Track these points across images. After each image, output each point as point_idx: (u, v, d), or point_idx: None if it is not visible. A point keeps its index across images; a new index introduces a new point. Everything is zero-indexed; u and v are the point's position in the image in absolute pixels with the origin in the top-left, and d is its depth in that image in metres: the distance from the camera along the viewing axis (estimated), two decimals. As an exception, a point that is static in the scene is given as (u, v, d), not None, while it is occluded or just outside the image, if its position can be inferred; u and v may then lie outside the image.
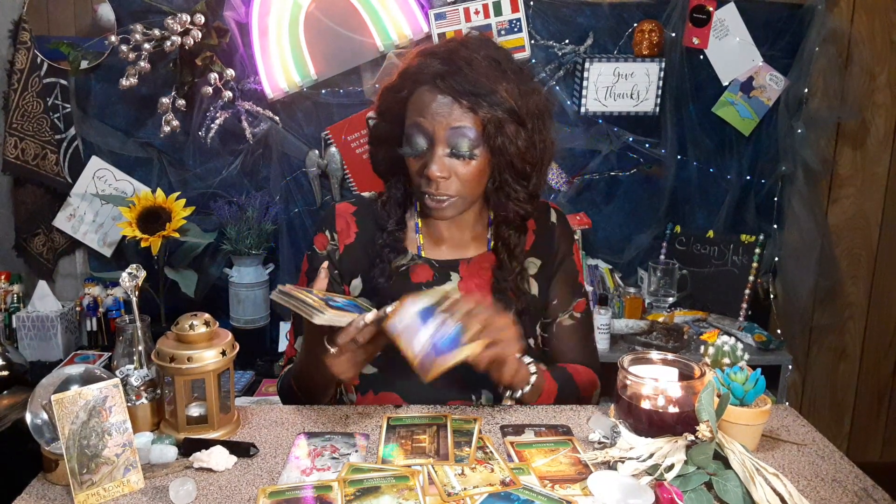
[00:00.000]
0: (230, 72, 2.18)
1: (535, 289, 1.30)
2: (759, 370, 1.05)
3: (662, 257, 2.46)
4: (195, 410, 1.09)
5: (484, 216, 1.32)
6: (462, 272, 1.29)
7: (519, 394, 1.17)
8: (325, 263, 1.18)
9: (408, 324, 1.00)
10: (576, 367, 1.29)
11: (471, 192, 1.20)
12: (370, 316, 1.04)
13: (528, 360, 1.19)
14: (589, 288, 2.32)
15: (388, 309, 1.05)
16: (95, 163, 2.34)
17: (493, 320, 1.04)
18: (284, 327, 2.38)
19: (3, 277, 2.30)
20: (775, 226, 2.43)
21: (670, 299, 2.23)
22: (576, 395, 1.25)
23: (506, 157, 1.18)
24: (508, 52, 1.25)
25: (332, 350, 1.08)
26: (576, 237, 1.40)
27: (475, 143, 1.16)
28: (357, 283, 1.30)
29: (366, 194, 1.38)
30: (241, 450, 1.02)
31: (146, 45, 2.12)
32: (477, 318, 1.03)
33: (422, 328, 0.99)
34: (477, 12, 2.24)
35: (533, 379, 1.17)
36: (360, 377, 1.26)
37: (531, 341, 1.30)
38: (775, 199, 2.43)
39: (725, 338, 1.14)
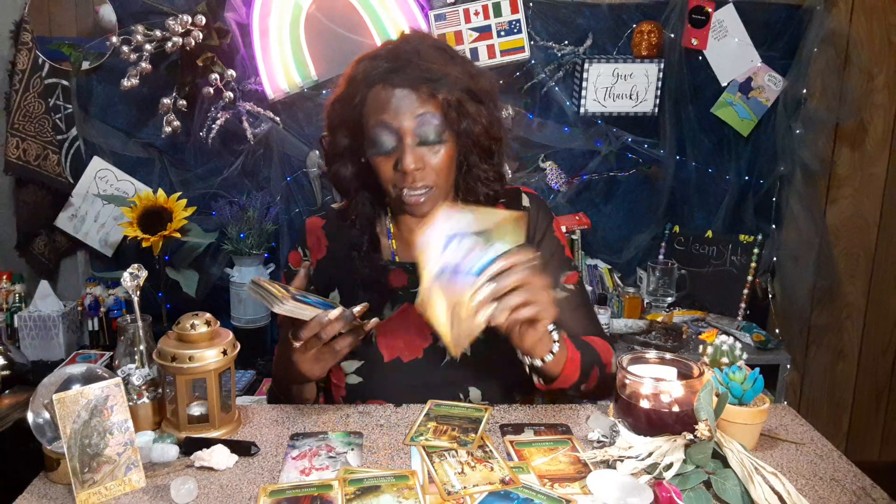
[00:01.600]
0: (231, 72, 2.18)
1: None
2: (757, 369, 1.05)
3: (661, 257, 2.46)
4: (196, 409, 1.10)
5: None
6: None
7: (539, 362, 1.10)
8: (307, 263, 1.18)
9: (430, 241, 0.94)
10: (591, 337, 1.25)
11: (444, 181, 1.20)
12: (334, 312, 1.04)
13: (551, 327, 1.12)
14: (588, 288, 2.33)
15: (356, 309, 1.06)
16: (97, 163, 2.35)
17: (532, 280, 0.98)
18: (285, 327, 2.38)
19: (4, 277, 2.30)
20: (774, 226, 2.43)
21: (669, 299, 2.23)
22: (599, 365, 1.19)
23: (471, 137, 1.18)
24: (444, 41, 1.26)
25: (296, 344, 1.08)
26: (574, 236, 1.38)
27: (441, 127, 1.16)
28: (335, 296, 1.30)
29: (335, 206, 1.38)
30: (241, 449, 1.03)
31: (147, 46, 2.13)
32: (514, 273, 0.96)
33: (446, 249, 0.93)
34: (476, 13, 2.24)
35: (556, 348, 1.10)
36: (346, 387, 1.26)
37: None
38: (774, 199, 2.43)
39: (724, 337, 1.14)
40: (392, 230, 1.32)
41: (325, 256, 1.31)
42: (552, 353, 1.10)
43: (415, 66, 1.14)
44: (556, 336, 1.12)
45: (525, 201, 1.34)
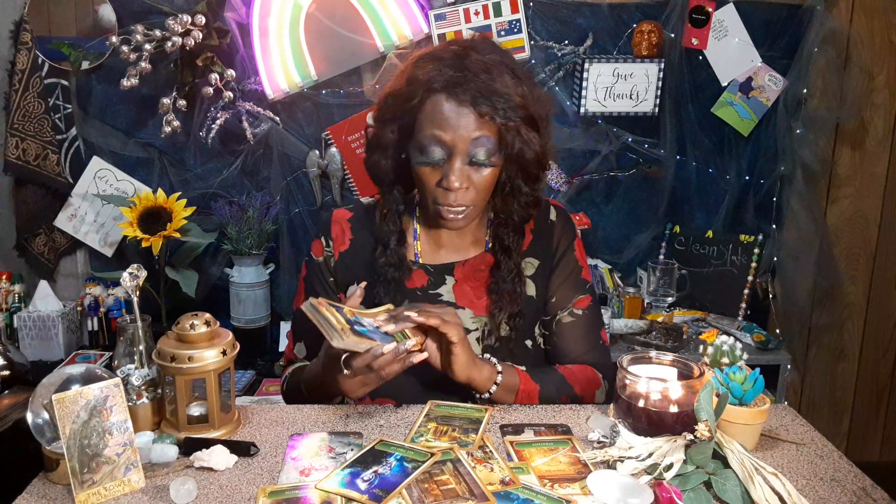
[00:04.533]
0: (231, 72, 2.18)
1: (532, 290, 1.29)
2: (757, 370, 1.05)
3: (662, 257, 2.46)
4: (196, 410, 1.10)
5: (485, 218, 1.32)
6: (457, 275, 1.29)
7: (487, 395, 1.18)
8: (363, 283, 1.19)
9: None
10: (570, 367, 1.28)
11: (483, 200, 1.21)
12: (388, 347, 1.05)
13: (494, 360, 1.20)
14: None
15: (409, 344, 1.07)
16: (96, 163, 2.35)
17: (428, 307, 1.11)
18: (285, 327, 2.38)
19: (4, 277, 2.30)
20: (774, 226, 2.43)
21: (669, 299, 2.23)
22: (570, 396, 1.24)
23: (520, 163, 1.18)
24: (514, 58, 1.24)
25: (346, 372, 1.09)
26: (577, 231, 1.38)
27: (493, 150, 1.15)
28: (353, 290, 1.29)
29: (364, 200, 1.38)
30: (241, 449, 1.03)
31: (147, 46, 2.13)
32: (413, 312, 1.09)
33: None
34: (477, 13, 2.24)
35: (499, 378, 1.17)
36: None
37: (528, 343, 1.29)
38: (774, 199, 2.43)
39: (724, 337, 1.14)
40: (419, 231, 1.32)
41: (348, 249, 1.31)
42: (496, 384, 1.17)
43: (481, 82, 1.12)
44: (499, 367, 1.19)
45: (552, 215, 1.33)
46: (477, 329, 1.26)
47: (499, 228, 1.27)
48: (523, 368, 1.23)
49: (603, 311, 2.12)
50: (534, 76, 2.30)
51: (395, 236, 1.27)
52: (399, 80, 1.20)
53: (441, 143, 1.14)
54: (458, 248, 1.31)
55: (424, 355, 1.10)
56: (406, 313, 1.10)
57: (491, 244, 1.30)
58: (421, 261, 1.30)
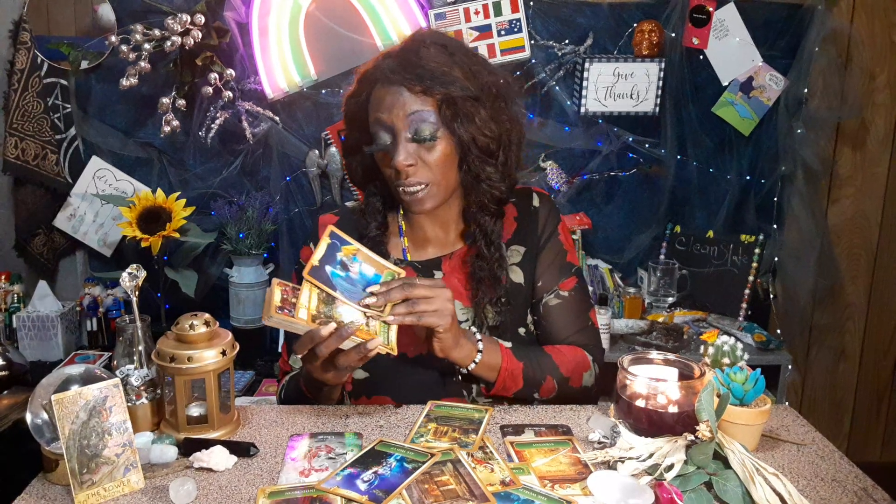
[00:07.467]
0: (230, 72, 2.18)
1: (519, 277, 1.29)
2: (758, 370, 1.05)
3: (662, 257, 2.46)
4: (195, 410, 1.09)
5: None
6: (445, 269, 1.29)
7: (465, 370, 1.18)
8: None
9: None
10: (559, 347, 1.27)
11: (442, 177, 1.20)
12: (326, 329, 1.02)
13: (478, 336, 1.19)
14: (588, 288, 2.32)
15: (354, 325, 1.03)
16: (96, 163, 2.34)
17: (416, 293, 1.08)
18: (284, 327, 2.38)
19: (3, 277, 2.30)
20: (775, 226, 2.43)
21: (670, 299, 2.23)
22: (556, 377, 1.23)
23: (468, 134, 1.19)
24: (459, 40, 1.29)
25: (297, 355, 1.08)
26: (574, 236, 1.38)
27: (435, 125, 1.17)
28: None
29: (349, 204, 1.40)
30: (241, 450, 1.02)
31: (146, 46, 2.13)
32: (399, 290, 1.07)
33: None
34: (477, 12, 2.24)
35: (478, 357, 1.17)
36: (353, 382, 1.26)
37: (521, 330, 1.29)
38: (775, 199, 2.43)
39: (725, 338, 1.14)
40: (404, 228, 1.33)
41: None
42: (475, 362, 1.17)
43: (413, 64, 1.17)
44: (480, 346, 1.17)
45: (535, 201, 1.34)
46: (467, 320, 1.26)
47: (476, 215, 1.27)
48: (508, 345, 1.22)
49: (603, 311, 2.12)
50: (534, 75, 2.31)
51: (376, 225, 1.30)
52: (354, 82, 1.26)
53: (383, 126, 1.18)
54: (444, 243, 1.32)
55: (379, 340, 1.04)
56: (388, 294, 1.08)
57: (470, 231, 1.30)
58: (409, 258, 1.31)
